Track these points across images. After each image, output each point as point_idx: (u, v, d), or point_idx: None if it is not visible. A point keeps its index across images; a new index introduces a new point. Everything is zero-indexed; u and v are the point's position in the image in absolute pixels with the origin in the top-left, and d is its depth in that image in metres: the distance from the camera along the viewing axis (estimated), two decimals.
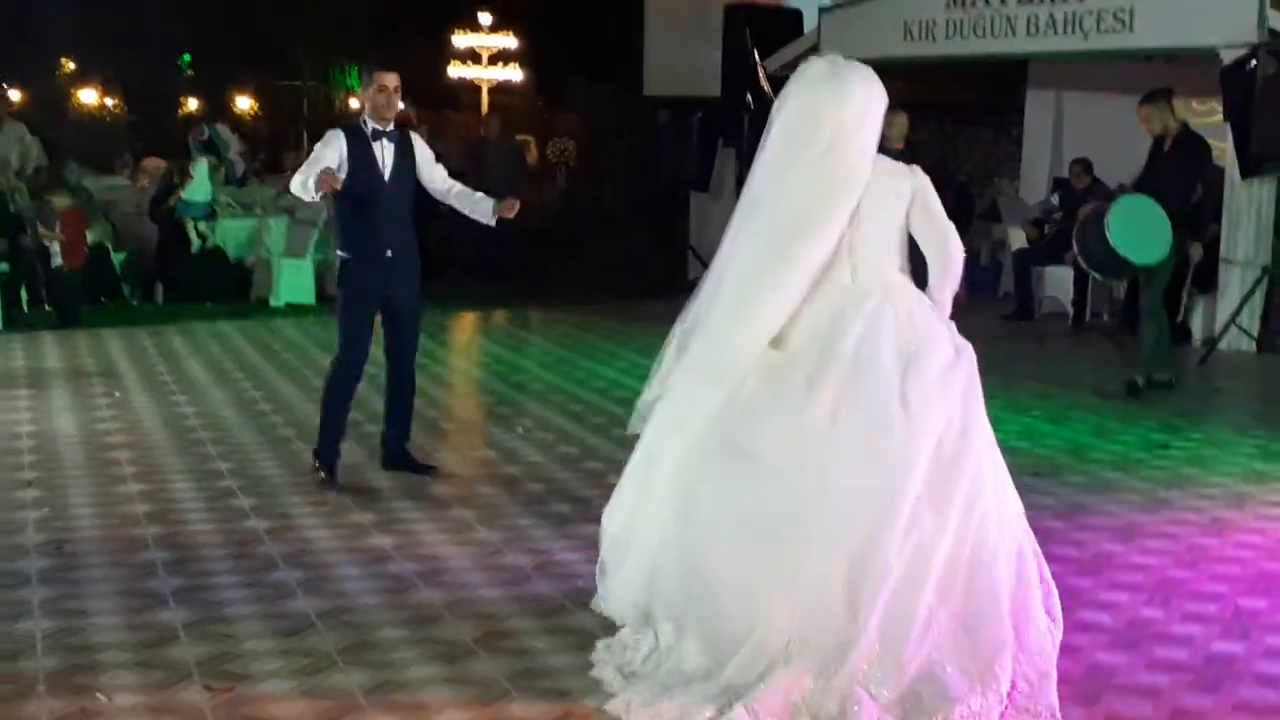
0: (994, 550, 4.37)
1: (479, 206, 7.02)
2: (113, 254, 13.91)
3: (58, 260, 12.54)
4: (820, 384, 4.38)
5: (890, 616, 4.18)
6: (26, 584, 5.39)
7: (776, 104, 4.62)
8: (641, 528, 4.70)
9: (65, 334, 11.67)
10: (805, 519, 4.29)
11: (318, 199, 6.66)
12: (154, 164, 17.49)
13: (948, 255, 4.60)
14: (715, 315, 4.60)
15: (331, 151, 6.70)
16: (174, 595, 5.28)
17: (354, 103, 49.20)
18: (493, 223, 7.10)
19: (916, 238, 4.63)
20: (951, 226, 4.63)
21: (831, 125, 4.48)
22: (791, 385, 4.43)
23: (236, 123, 25.72)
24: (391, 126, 6.87)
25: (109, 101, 30.07)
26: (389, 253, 6.82)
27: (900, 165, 4.67)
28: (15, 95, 29.29)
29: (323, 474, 6.90)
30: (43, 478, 7.00)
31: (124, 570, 5.58)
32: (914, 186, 4.59)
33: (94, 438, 7.92)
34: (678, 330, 4.75)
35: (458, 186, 7.09)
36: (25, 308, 12.84)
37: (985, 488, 4.41)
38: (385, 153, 6.82)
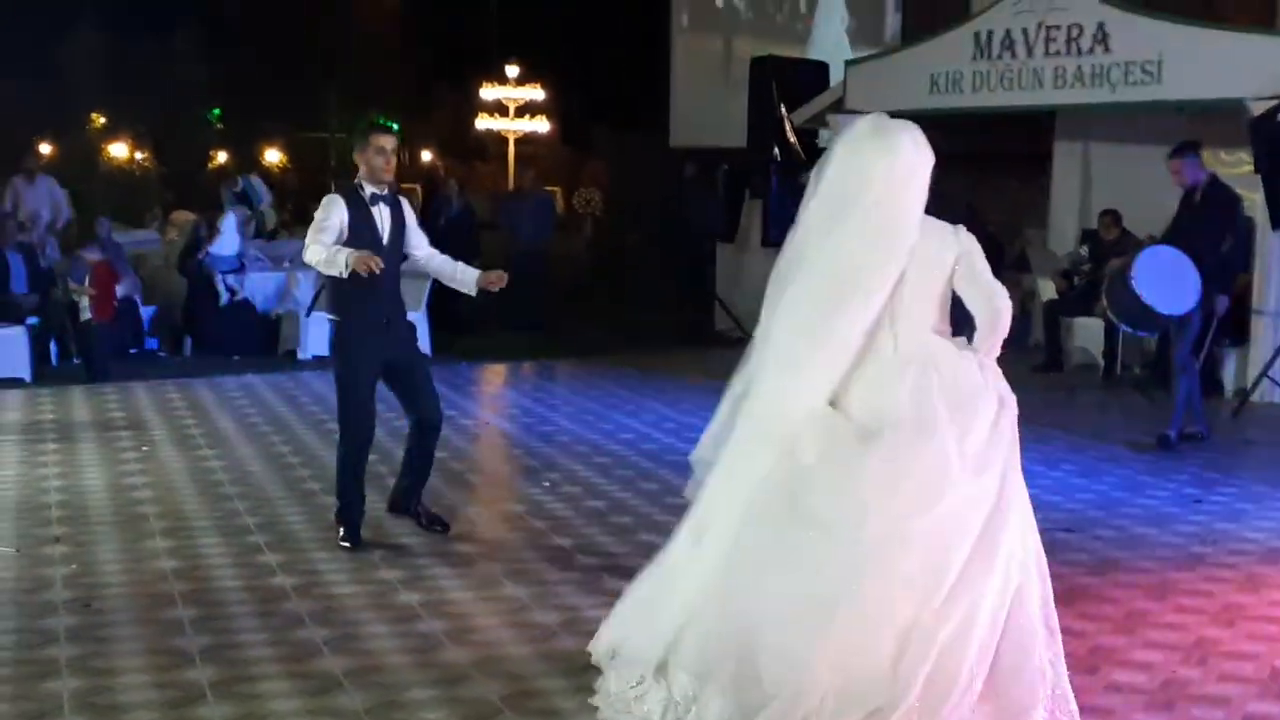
0: (1029, 610, 4.34)
1: (461, 276, 6.90)
2: (141, 307, 13.99)
3: (87, 314, 12.60)
4: (873, 444, 4.36)
5: (934, 677, 4.16)
6: (55, 642, 5.38)
7: (821, 163, 4.59)
8: (684, 583, 4.65)
9: (93, 388, 11.71)
10: (859, 585, 4.26)
11: (345, 275, 6.40)
12: (183, 217, 17.63)
13: (996, 314, 4.57)
14: (763, 380, 4.58)
15: (335, 218, 6.53)
16: (201, 653, 5.26)
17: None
18: (474, 293, 6.98)
19: (964, 299, 4.61)
20: (999, 286, 4.62)
21: (879, 182, 4.45)
22: (843, 442, 4.42)
23: (265, 175, 25.97)
24: (386, 190, 6.74)
25: (139, 155, 30.39)
26: (385, 319, 6.71)
27: (945, 227, 4.64)
28: (46, 149, 29.63)
29: (346, 543, 6.76)
30: (70, 533, 7.01)
31: (151, 628, 5.57)
32: (959, 250, 4.56)
33: (122, 492, 7.92)
34: (733, 391, 4.71)
35: (438, 255, 6.97)
36: (54, 361, 12.91)
37: (1027, 545, 4.39)
38: (383, 217, 6.69)
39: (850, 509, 4.31)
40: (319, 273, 6.95)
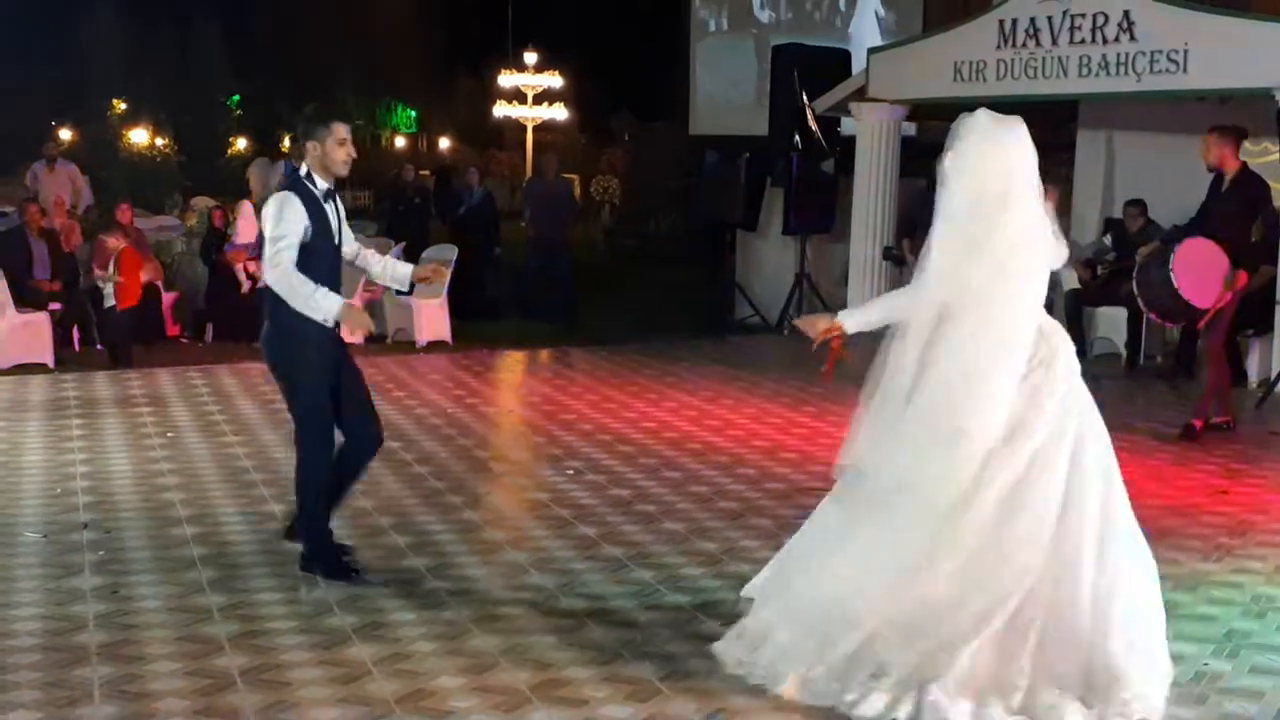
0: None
1: (394, 272, 6.29)
2: (163, 294, 14.01)
3: (110, 301, 12.63)
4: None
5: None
6: (84, 628, 5.39)
7: (952, 160, 4.77)
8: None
9: (116, 374, 11.74)
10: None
11: (329, 324, 5.83)
12: (203, 203, 17.67)
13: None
14: (952, 383, 4.70)
15: (298, 225, 5.80)
16: (230, 640, 5.27)
17: (400, 141, 49.84)
18: (408, 289, 6.44)
19: None
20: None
21: (1020, 173, 4.71)
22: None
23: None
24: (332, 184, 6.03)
25: (159, 141, 30.42)
26: (336, 323, 5.96)
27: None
28: (67, 135, 29.71)
29: (341, 579, 5.99)
30: (98, 520, 7.02)
31: (180, 615, 5.58)
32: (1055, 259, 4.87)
33: (148, 479, 7.94)
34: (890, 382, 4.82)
35: (365, 250, 6.32)
36: (76, 347, 12.95)
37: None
38: (335, 215, 6.01)
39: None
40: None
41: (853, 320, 5.05)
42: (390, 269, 6.30)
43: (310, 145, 5.98)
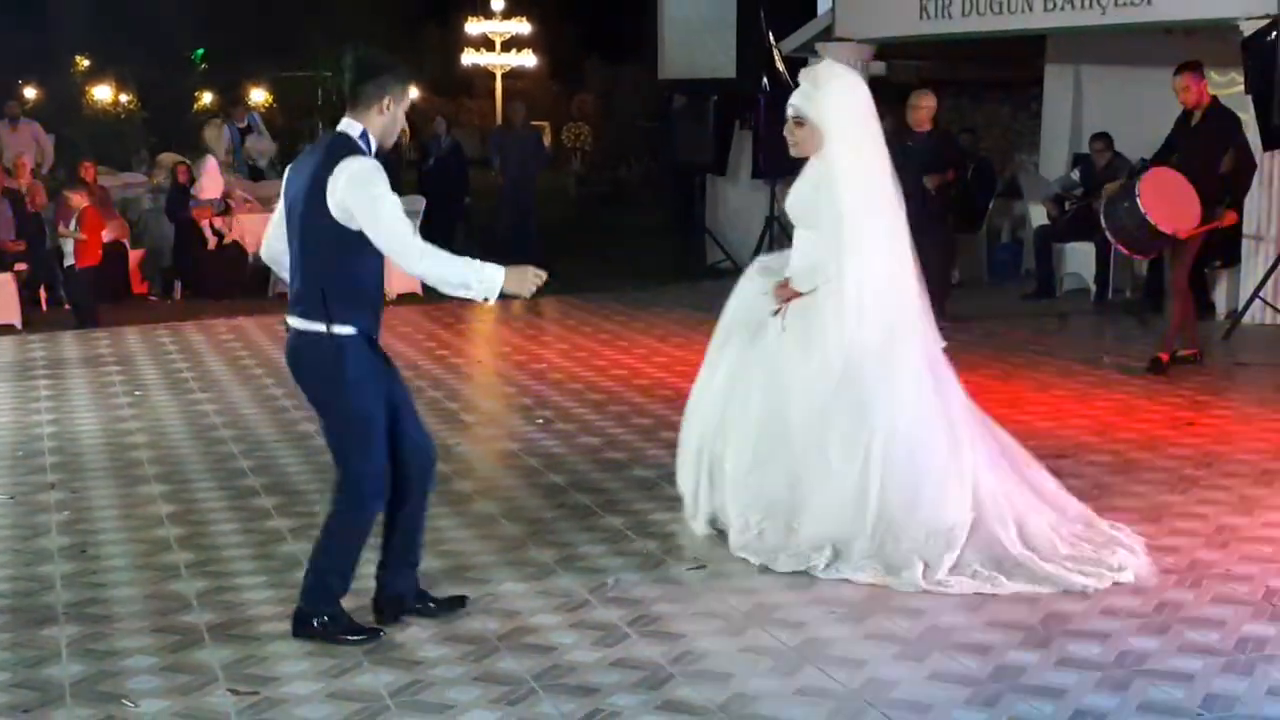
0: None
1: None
2: (129, 251, 13.92)
3: (71, 259, 12.54)
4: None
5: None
6: (51, 588, 5.38)
7: (815, 105, 5.62)
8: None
9: (84, 334, 11.67)
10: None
11: (491, 301, 4.72)
12: (170, 159, 17.52)
13: None
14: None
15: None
16: (198, 597, 5.27)
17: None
18: None
19: None
20: None
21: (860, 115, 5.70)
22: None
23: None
24: None
25: (124, 98, 30.10)
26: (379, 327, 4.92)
27: None
28: (30, 93, 29.35)
29: (360, 637, 4.80)
30: (65, 479, 6.99)
31: (148, 573, 5.57)
32: None
33: (115, 438, 7.91)
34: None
35: None
36: (44, 308, 12.87)
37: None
38: None
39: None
40: None
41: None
42: None
43: (386, 101, 4.59)
